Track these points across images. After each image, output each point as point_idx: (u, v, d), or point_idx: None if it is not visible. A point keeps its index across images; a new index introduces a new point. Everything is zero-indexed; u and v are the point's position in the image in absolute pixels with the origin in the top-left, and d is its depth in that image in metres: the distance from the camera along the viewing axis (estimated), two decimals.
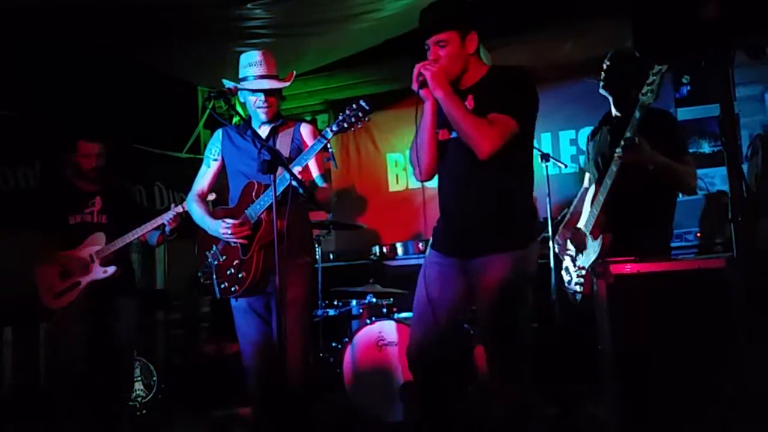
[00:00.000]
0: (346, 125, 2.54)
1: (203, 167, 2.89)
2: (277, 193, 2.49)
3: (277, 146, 2.73)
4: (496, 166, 2.22)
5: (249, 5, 3.96)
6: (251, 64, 2.72)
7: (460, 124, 2.21)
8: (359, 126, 2.57)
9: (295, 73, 2.82)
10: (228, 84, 2.63)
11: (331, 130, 2.56)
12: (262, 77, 2.70)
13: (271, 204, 2.52)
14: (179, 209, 3.31)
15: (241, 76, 2.74)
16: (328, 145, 3.01)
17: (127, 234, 3.35)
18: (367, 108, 2.52)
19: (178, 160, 5.42)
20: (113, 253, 3.36)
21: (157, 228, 3.34)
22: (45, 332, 3.79)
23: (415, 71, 2.24)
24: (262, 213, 2.64)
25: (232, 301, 2.77)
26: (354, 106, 2.53)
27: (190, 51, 4.70)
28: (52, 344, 3.41)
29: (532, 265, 2.31)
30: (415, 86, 2.25)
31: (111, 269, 3.33)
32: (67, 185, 3.46)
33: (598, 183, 2.82)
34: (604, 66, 2.97)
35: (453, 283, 2.33)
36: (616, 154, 2.65)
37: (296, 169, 2.56)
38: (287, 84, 2.75)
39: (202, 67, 5.14)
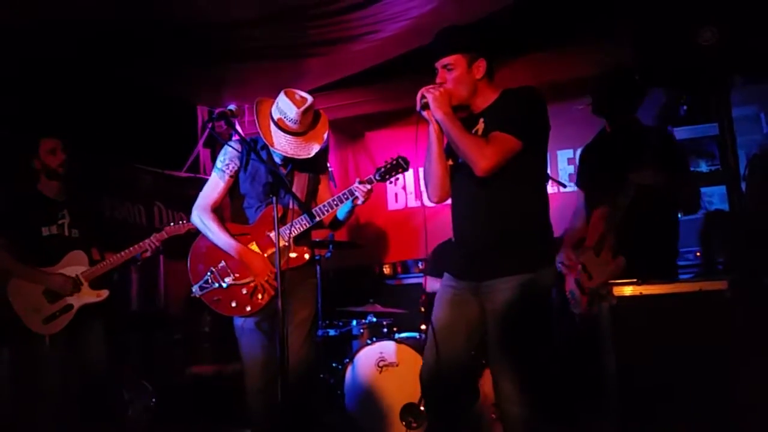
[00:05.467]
0: (388, 176, 2.74)
1: (216, 179, 2.81)
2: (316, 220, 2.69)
3: (295, 178, 2.78)
4: (506, 188, 2.26)
5: (250, 26, 3.99)
6: (287, 118, 2.64)
7: (457, 143, 2.25)
8: (397, 179, 2.78)
9: (325, 138, 2.75)
10: (232, 105, 2.64)
11: (375, 179, 2.72)
12: (292, 134, 2.65)
13: (304, 231, 2.70)
14: (162, 236, 3.30)
15: (274, 116, 2.68)
16: (328, 165, 3.05)
17: (116, 256, 3.26)
18: (405, 166, 2.72)
19: (177, 179, 5.42)
20: (101, 275, 3.25)
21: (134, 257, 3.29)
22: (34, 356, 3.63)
23: (419, 94, 2.30)
24: (290, 239, 2.68)
25: (237, 321, 2.76)
26: (394, 162, 2.72)
27: (190, 70, 4.72)
28: (40, 370, 3.15)
29: (543, 288, 2.31)
30: (418, 107, 2.31)
31: (105, 293, 3.24)
32: (31, 194, 3.28)
33: (607, 204, 2.83)
34: (593, 89, 3.02)
35: (466, 306, 2.35)
36: (631, 176, 2.68)
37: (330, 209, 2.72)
38: (310, 155, 2.69)
39: (203, 86, 5.17)
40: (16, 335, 3.16)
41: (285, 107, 2.63)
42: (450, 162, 2.43)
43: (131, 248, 3.29)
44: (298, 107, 2.60)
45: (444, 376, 2.34)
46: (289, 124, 2.64)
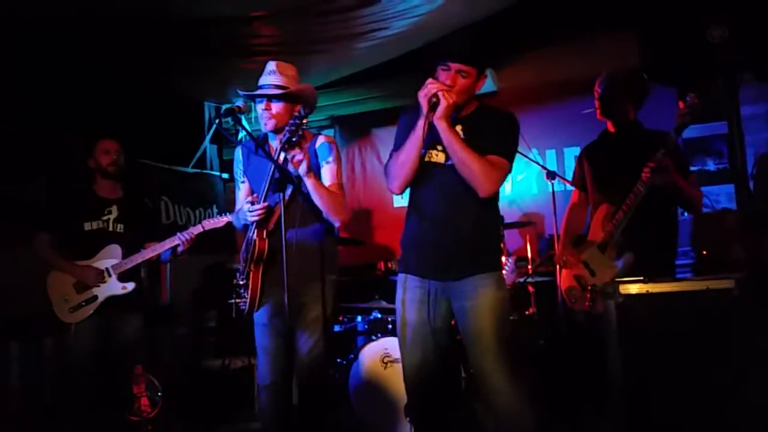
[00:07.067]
0: (294, 139, 2.52)
1: (236, 189, 2.91)
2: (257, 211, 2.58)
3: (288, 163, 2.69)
4: (475, 193, 2.32)
5: (256, 23, 4.00)
6: (265, 73, 2.73)
7: (463, 161, 2.28)
8: (301, 134, 2.54)
9: (306, 87, 2.75)
10: (239, 102, 2.65)
11: (281, 142, 2.55)
12: (271, 86, 2.69)
13: (256, 223, 2.61)
14: (198, 229, 3.31)
15: (258, 84, 2.74)
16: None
17: (146, 250, 3.33)
18: (302, 113, 2.49)
19: (184, 174, 5.44)
20: (130, 268, 3.31)
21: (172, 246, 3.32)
22: (52, 346, 3.73)
23: (431, 89, 2.26)
24: (253, 232, 2.66)
25: (254, 316, 2.77)
26: (296, 113, 2.51)
27: (197, 67, 4.74)
28: (62, 359, 3.33)
29: (504, 283, 2.46)
30: (424, 103, 2.27)
31: (130, 285, 3.29)
32: (83, 192, 3.42)
33: (612, 202, 2.84)
34: (597, 93, 3.02)
35: (439, 304, 2.39)
36: (644, 175, 2.68)
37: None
38: (279, 92, 2.66)
39: (209, 83, 5.18)
40: (36, 326, 3.36)
41: (266, 67, 2.74)
42: (428, 158, 2.41)
43: (162, 242, 3.33)
44: (274, 61, 2.71)
45: (430, 377, 2.37)
46: (269, 76, 2.69)
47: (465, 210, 2.36)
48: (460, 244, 2.36)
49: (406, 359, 2.40)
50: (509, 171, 2.38)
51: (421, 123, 2.31)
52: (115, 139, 3.45)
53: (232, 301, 2.75)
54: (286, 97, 2.68)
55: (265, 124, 2.72)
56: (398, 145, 2.46)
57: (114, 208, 3.41)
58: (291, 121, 2.50)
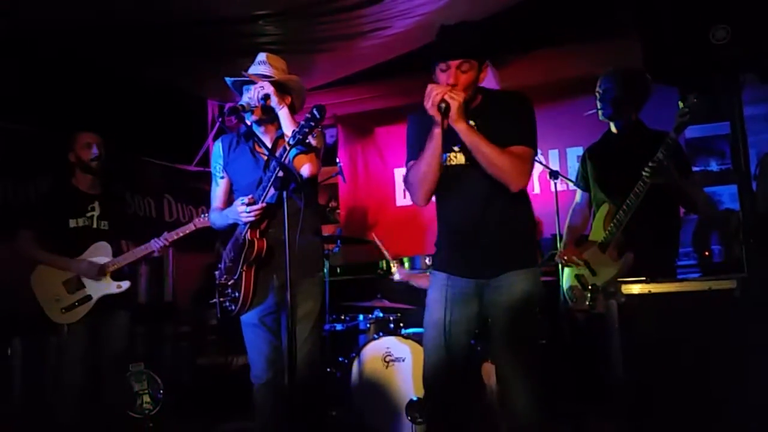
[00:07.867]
0: (300, 137, 2.43)
1: (213, 185, 2.86)
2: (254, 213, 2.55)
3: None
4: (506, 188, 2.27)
5: (260, 21, 4.01)
6: (255, 63, 2.72)
7: (491, 159, 2.21)
8: (314, 136, 2.50)
9: (295, 78, 2.77)
10: (243, 101, 2.66)
11: (289, 145, 2.47)
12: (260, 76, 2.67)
13: (252, 222, 2.57)
14: (190, 227, 3.30)
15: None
16: (337, 160, 3.03)
17: (139, 248, 3.31)
18: (318, 116, 2.39)
19: (187, 172, 5.45)
20: (124, 266, 3.30)
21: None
22: (55, 344, 3.73)
23: (435, 96, 2.17)
24: (247, 232, 2.62)
25: (243, 316, 2.76)
26: (308, 115, 2.41)
27: (200, 65, 4.74)
28: (59, 359, 3.30)
29: (540, 281, 2.42)
30: (435, 113, 2.18)
31: (125, 284, 3.26)
32: (66, 188, 3.35)
33: (614, 202, 2.85)
34: (598, 94, 3.02)
35: (471, 304, 2.36)
36: (644, 175, 2.68)
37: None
38: (266, 80, 2.63)
39: (212, 81, 5.18)
40: (38, 324, 3.25)
41: (258, 57, 2.73)
42: (450, 162, 2.34)
43: (148, 243, 3.30)
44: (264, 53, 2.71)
45: (451, 375, 2.35)
46: (259, 66, 2.69)
47: (493, 207, 2.30)
48: (492, 243, 2.31)
49: (431, 357, 2.37)
50: (535, 156, 2.33)
51: (437, 131, 2.22)
52: (95, 132, 3.38)
53: (216, 300, 2.73)
54: (273, 84, 2.64)
55: (252, 114, 2.67)
56: (413, 151, 2.39)
57: (96, 205, 3.34)
58: (303, 123, 2.43)
